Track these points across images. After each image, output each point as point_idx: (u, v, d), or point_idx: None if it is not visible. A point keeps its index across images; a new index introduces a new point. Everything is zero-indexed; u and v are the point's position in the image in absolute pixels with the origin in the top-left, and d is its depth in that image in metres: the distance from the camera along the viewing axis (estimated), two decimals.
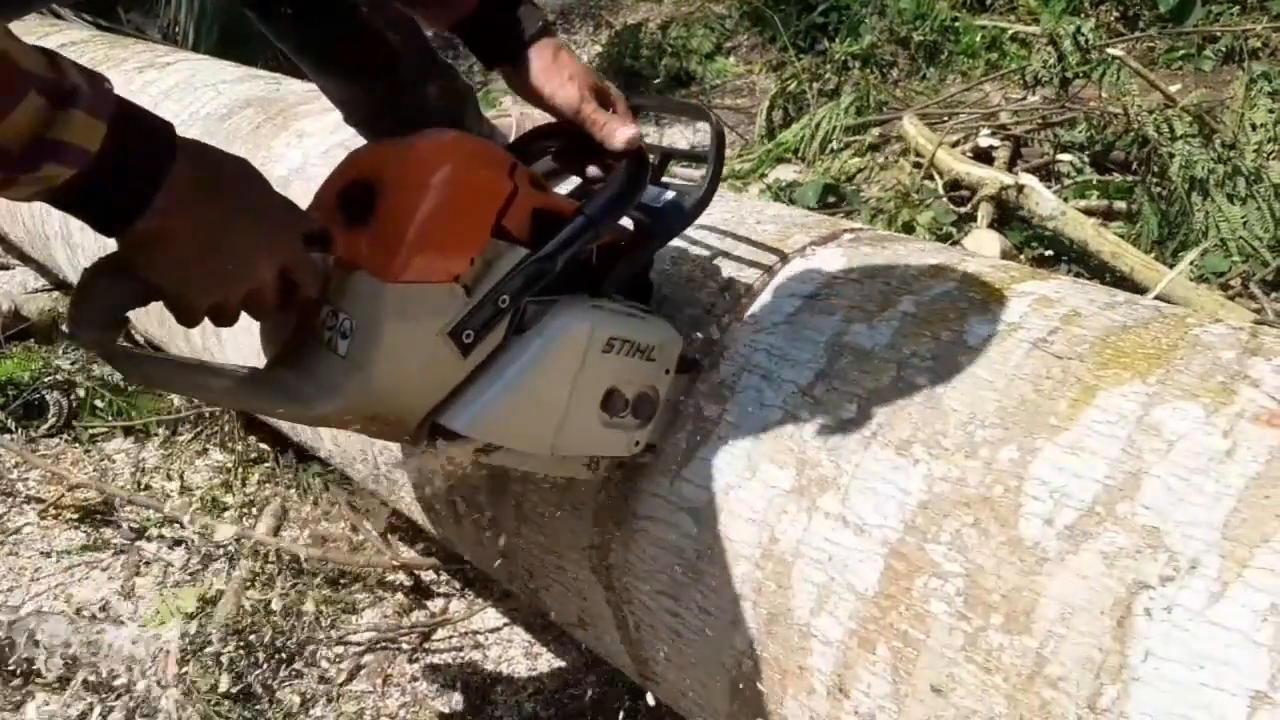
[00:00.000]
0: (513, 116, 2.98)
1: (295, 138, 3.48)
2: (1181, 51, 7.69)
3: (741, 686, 2.02)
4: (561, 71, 2.01)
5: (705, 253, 2.35)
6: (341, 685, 3.12)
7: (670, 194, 2.09)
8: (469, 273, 1.73)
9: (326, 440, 3.18)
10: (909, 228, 5.37)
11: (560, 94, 2.00)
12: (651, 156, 2.08)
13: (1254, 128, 5.55)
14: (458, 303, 1.73)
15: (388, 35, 2.46)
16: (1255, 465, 1.53)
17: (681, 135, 7.42)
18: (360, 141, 2.61)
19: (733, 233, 2.39)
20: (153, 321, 3.98)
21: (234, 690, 3.03)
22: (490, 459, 1.93)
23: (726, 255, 2.32)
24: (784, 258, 2.26)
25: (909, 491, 1.79)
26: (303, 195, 3.17)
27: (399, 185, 1.75)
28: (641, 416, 2.01)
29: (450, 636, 3.28)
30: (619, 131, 1.97)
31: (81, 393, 4.51)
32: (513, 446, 1.90)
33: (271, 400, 1.83)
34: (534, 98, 2.04)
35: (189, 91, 4.13)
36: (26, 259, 5.47)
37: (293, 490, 3.95)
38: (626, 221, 1.99)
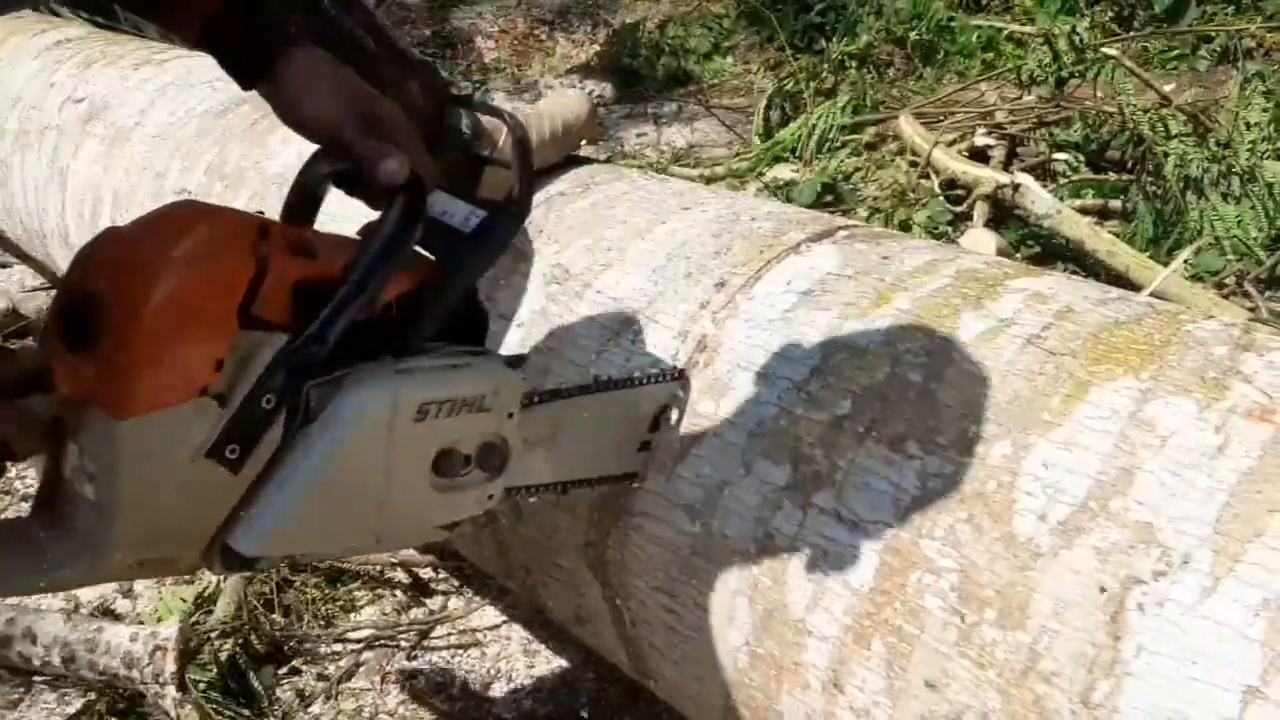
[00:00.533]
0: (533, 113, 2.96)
1: (291, 135, 3.48)
2: (1176, 51, 7.69)
3: (737, 682, 2.03)
4: (316, 91, 1.66)
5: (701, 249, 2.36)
6: (340, 683, 3.12)
7: (480, 214, 1.76)
8: (219, 380, 1.48)
9: None
10: (905, 226, 5.39)
11: (313, 117, 1.66)
12: (439, 178, 1.76)
13: (1248, 127, 5.56)
14: (210, 419, 1.49)
15: (359, 35, 2.33)
16: (1247, 460, 1.54)
17: (680, 134, 7.43)
18: None
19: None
20: None
21: (232, 687, 3.03)
22: (308, 560, 1.75)
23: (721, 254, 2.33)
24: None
25: (903, 487, 1.80)
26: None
27: (119, 298, 1.46)
28: (490, 468, 1.81)
29: (449, 634, 3.29)
30: (380, 165, 1.61)
31: None
32: (323, 553, 1.78)
33: (7, 574, 1.54)
34: (289, 123, 1.69)
35: (185, 89, 4.13)
36: (25, 257, 5.47)
37: None
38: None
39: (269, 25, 1.67)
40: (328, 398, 1.57)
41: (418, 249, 1.68)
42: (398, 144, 1.65)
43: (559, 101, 3.14)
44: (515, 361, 1.86)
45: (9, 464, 1.50)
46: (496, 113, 1.86)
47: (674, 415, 2.16)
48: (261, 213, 1.62)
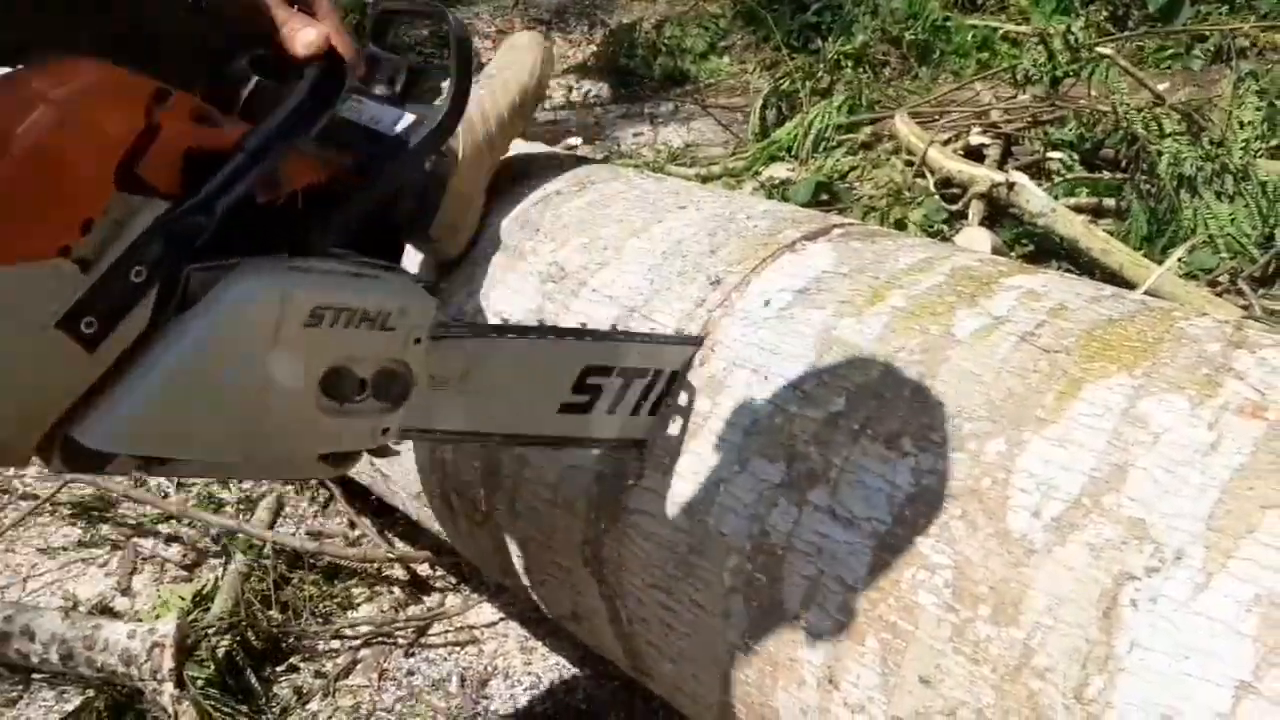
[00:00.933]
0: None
1: None
2: (1170, 50, 7.70)
3: (733, 678, 2.03)
4: None
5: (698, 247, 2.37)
6: (337, 679, 3.13)
7: (409, 117, 1.63)
8: (84, 243, 1.31)
9: None
10: (901, 225, 5.39)
11: None
12: (361, 66, 1.65)
13: (1242, 125, 5.57)
14: (69, 285, 1.31)
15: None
16: (1240, 457, 1.55)
17: (676, 133, 7.43)
18: None
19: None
20: None
21: (230, 684, 3.04)
22: (165, 471, 1.52)
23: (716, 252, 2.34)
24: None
25: (897, 484, 1.80)
26: None
27: None
28: (388, 398, 1.65)
29: (446, 631, 3.29)
30: (299, 33, 1.49)
31: None
32: (186, 461, 1.49)
33: None
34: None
35: None
36: None
37: (289, 487, 3.96)
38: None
39: None
40: (210, 283, 1.41)
41: (336, 149, 1.56)
42: (318, 18, 1.52)
43: (511, 61, 2.93)
44: (431, 286, 1.76)
45: None
46: (435, 13, 1.71)
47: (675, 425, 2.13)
48: None
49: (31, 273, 1.28)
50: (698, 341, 2.19)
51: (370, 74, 1.71)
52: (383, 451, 1.72)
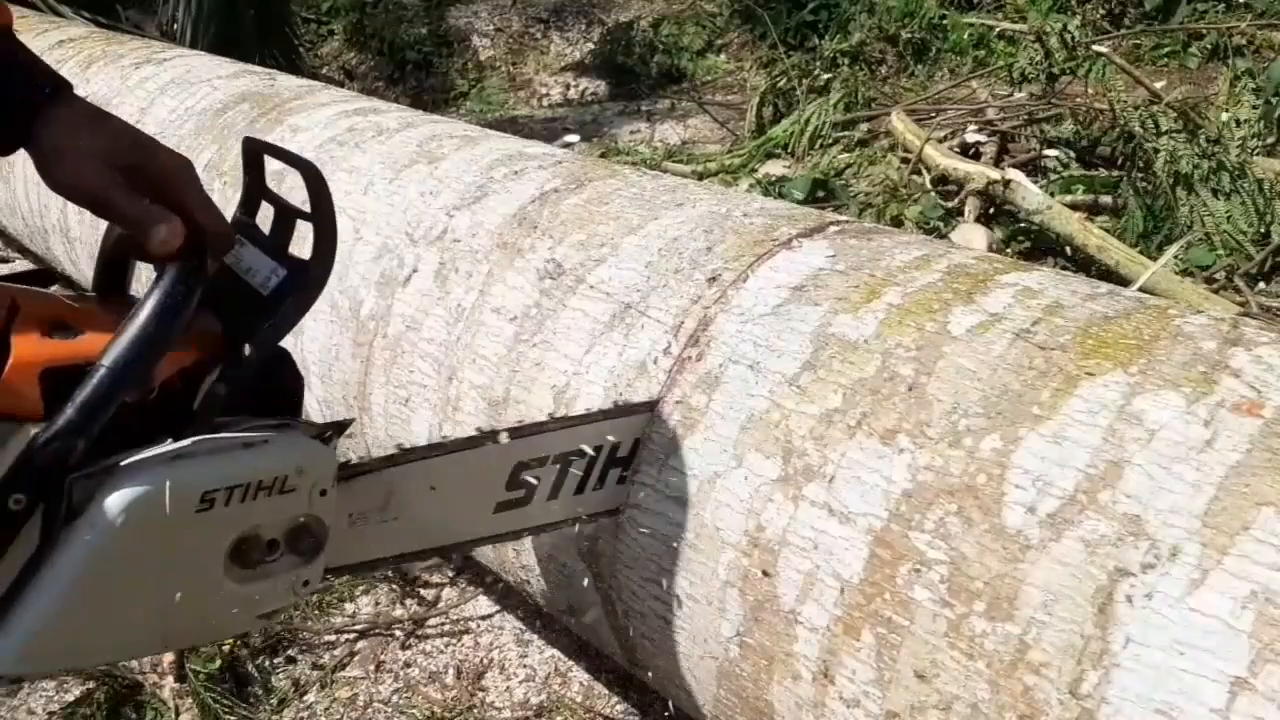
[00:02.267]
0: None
1: (289, 132, 3.50)
2: (1167, 48, 7.72)
3: (728, 672, 2.04)
4: (80, 154, 1.47)
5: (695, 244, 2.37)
6: (334, 671, 3.13)
7: (281, 271, 1.58)
8: None
9: None
10: (897, 222, 5.41)
11: (79, 184, 1.47)
12: (231, 240, 1.59)
13: (1238, 123, 5.59)
14: None
15: None
16: (1235, 454, 1.55)
17: (673, 131, 7.43)
18: None
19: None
20: None
21: (228, 676, 3.04)
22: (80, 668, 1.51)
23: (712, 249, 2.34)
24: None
25: (893, 480, 1.81)
26: (299, 188, 3.21)
27: None
28: (303, 552, 1.64)
29: (442, 623, 3.29)
30: (152, 231, 1.45)
31: None
32: (103, 661, 1.54)
33: None
34: (53, 187, 1.49)
35: (185, 87, 4.15)
36: (26, 252, 5.48)
37: None
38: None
39: (21, 84, 1.48)
40: (91, 491, 1.40)
41: (208, 314, 1.53)
42: (177, 202, 1.50)
43: None
44: (330, 431, 1.70)
45: None
46: (296, 162, 1.63)
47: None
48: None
49: None
50: (648, 408, 2.17)
51: (246, 211, 1.70)
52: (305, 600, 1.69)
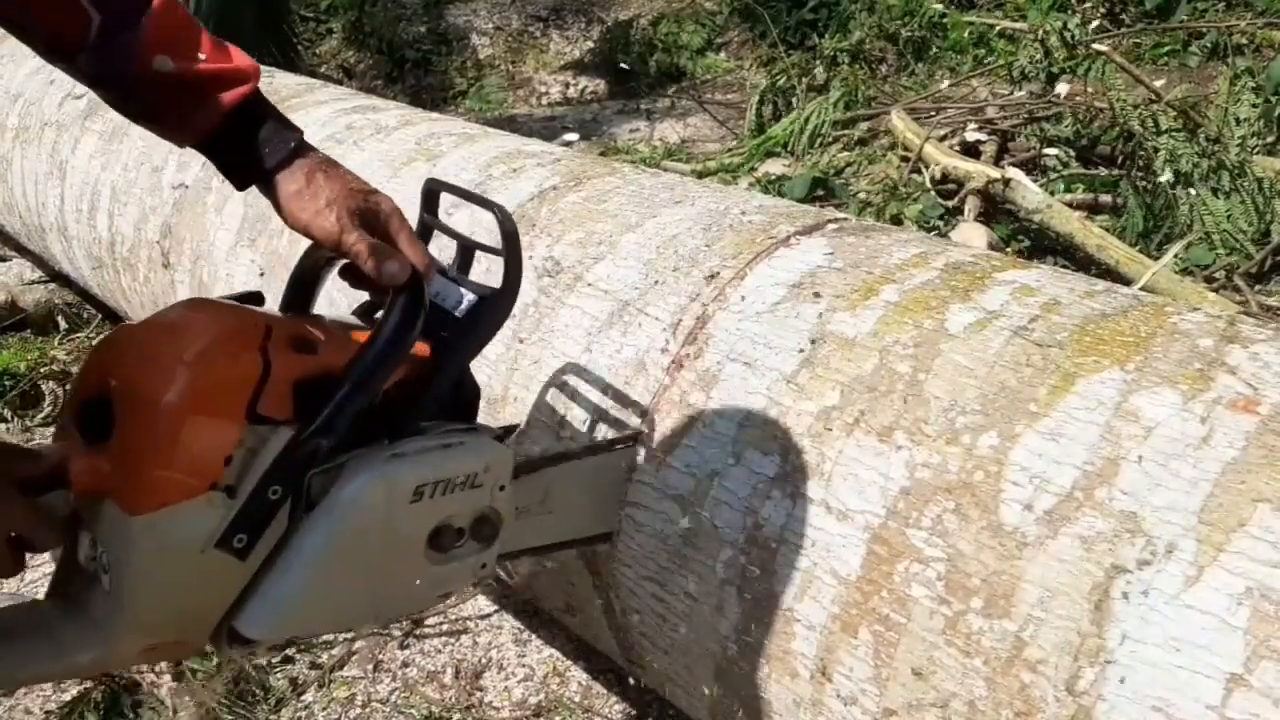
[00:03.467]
0: None
1: None
2: (1167, 47, 7.72)
3: (726, 670, 2.04)
4: (317, 198, 1.73)
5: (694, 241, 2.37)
6: (332, 671, 3.13)
7: (470, 297, 1.84)
8: (227, 473, 1.53)
9: None
10: (897, 221, 5.41)
11: (316, 224, 1.72)
12: (433, 273, 1.80)
13: (1238, 122, 5.59)
14: (219, 511, 1.53)
15: None
16: (1231, 451, 1.56)
17: (672, 130, 7.43)
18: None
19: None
20: (148, 314, 4.00)
21: (226, 675, 3.04)
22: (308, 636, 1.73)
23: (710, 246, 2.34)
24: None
25: (891, 477, 1.81)
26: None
27: (133, 398, 1.52)
28: (484, 539, 1.84)
29: (440, 623, 3.29)
30: (384, 266, 1.67)
31: None
32: (326, 631, 1.81)
33: (23, 662, 1.54)
34: (294, 227, 1.76)
35: None
36: (23, 250, 5.49)
37: None
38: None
39: (267, 144, 1.75)
40: (328, 485, 1.62)
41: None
42: (395, 239, 1.74)
43: None
44: (505, 434, 1.91)
45: (29, 555, 1.49)
46: (487, 204, 1.85)
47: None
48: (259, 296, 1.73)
49: (189, 507, 1.51)
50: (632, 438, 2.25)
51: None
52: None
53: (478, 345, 1.81)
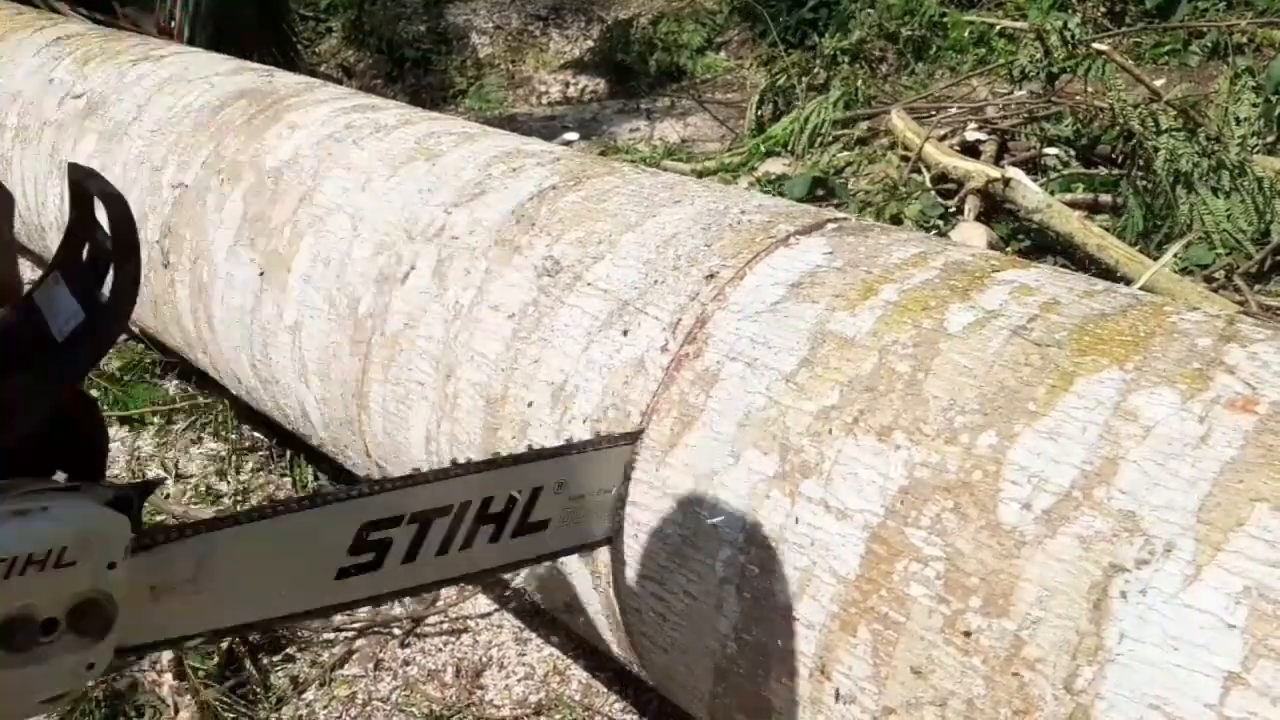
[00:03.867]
0: None
1: (287, 129, 3.50)
2: (1168, 46, 7.72)
3: (725, 669, 2.04)
4: None
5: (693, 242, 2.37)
6: (333, 669, 3.13)
7: (80, 314, 1.41)
8: None
9: (319, 428, 3.20)
10: (896, 220, 5.40)
11: None
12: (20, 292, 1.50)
13: (1238, 121, 5.58)
14: None
15: None
16: (1230, 450, 1.56)
17: (672, 129, 7.43)
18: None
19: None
20: (147, 313, 4.01)
21: (227, 674, 3.05)
22: None
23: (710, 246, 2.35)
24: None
25: (890, 477, 1.81)
26: (295, 186, 3.21)
27: None
28: (89, 631, 1.44)
29: (441, 622, 3.30)
30: None
31: None
32: None
33: None
34: None
35: (182, 84, 4.15)
36: (24, 250, 5.48)
37: (286, 479, 3.97)
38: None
39: None
40: None
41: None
42: None
43: None
44: (131, 494, 1.49)
45: None
46: (103, 193, 1.42)
47: None
48: None
49: None
50: (559, 452, 2.06)
51: (69, 247, 1.49)
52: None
53: (70, 375, 1.40)
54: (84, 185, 1.46)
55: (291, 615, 1.86)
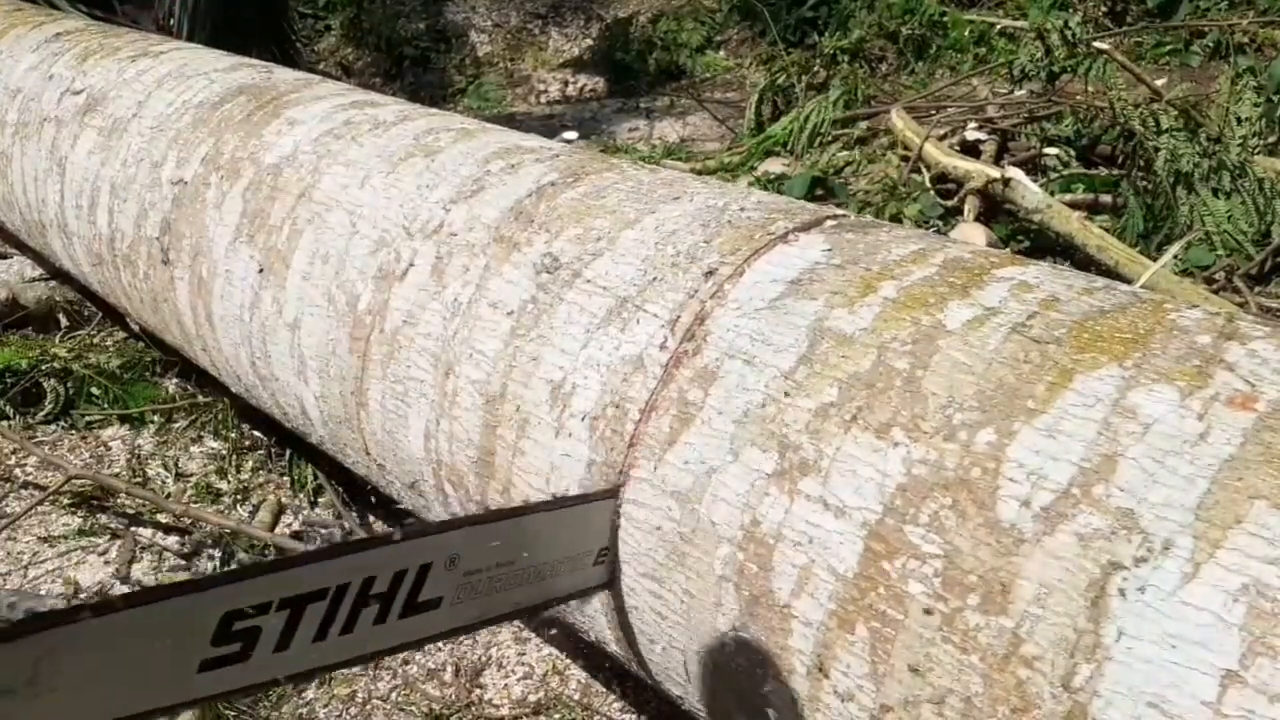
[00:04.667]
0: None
1: (286, 125, 3.50)
2: (1169, 46, 7.72)
3: (724, 667, 2.04)
4: None
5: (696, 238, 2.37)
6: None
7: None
8: None
9: (318, 426, 3.20)
10: (896, 220, 5.40)
11: None
12: None
13: (1239, 122, 5.58)
14: None
15: None
16: (1229, 448, 1.56)
17: (672, 128, 7.43)
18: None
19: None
20: (146, 310, 4.01)
21: None
22: None
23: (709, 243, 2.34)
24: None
25: (888, 474, 1.81)
26: (294, 182, 3.20)
27: None
28: None
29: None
30: None
31: (78, 380, 4.53)
32: None
33: None
34: None
35: (182, 80, 4.14)
36: (23, 247, 5.50)
37: (285, 478, 3.98)
38: None
39: None
40: None
41: None
42: None
43: None
44: None
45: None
46: None
47: None
48: None
49: None
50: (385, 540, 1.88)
51: None
52: None
53: None
54: None
55: (150, 712, 1.66)
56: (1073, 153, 6.02)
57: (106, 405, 4.49)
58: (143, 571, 3.61)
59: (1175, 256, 4.88)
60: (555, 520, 2.12)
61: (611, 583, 2.21)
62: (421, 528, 1.94)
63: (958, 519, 1.71)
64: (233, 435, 4.23)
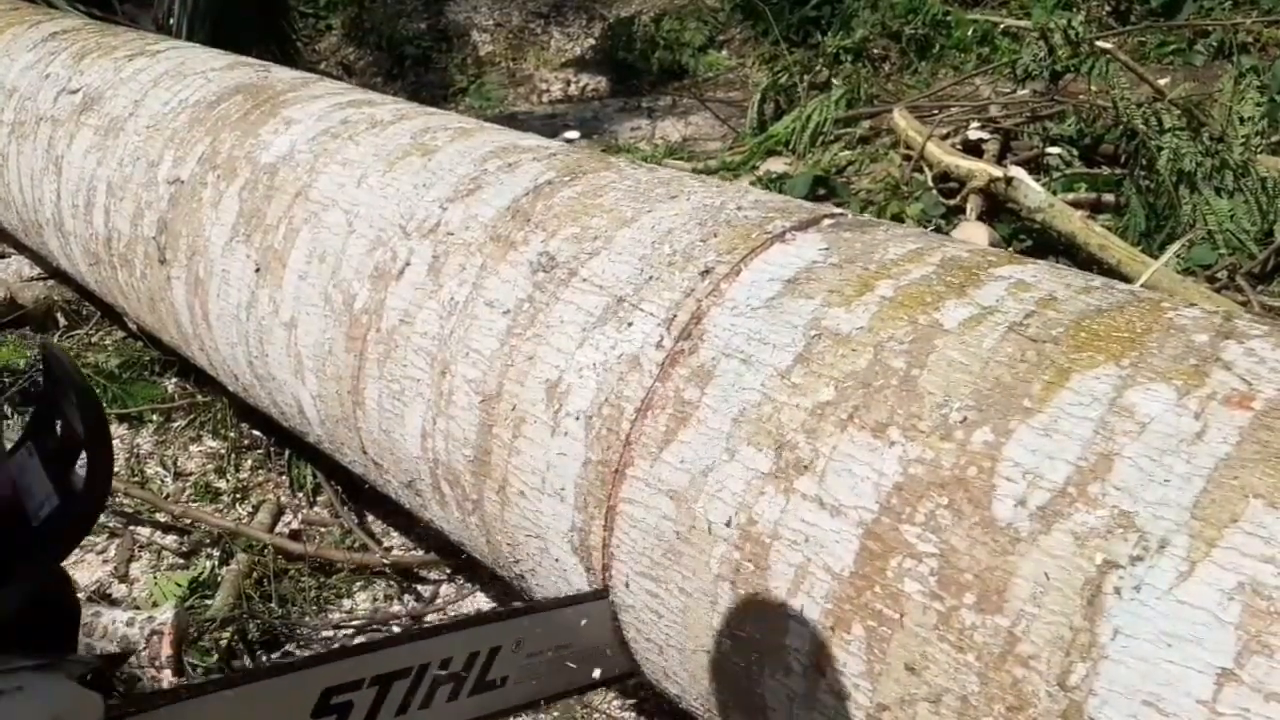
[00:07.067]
0: None
1: (283, 124, 3.49)
2: (1172, 45, 7.71)
3: (720, 665, 2.04)
4: None
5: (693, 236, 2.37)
6: None
7: (54, 502, 1.39)
8: None
9: (315, 425, 3.20)
10: (898, 219, 5.39)
11: None
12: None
13: (1242, 121, 5.57)
14: None
15: None
16: (1225, 447, 1.55)
17: (674, 128, 7.43)
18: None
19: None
20: (144, 309, 4.00)
21: (226, 669, 3.04)
22: None
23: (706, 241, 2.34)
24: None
25: (884, 473, 1.80)
26: (290, 181, 3.20)
27: None
28: None
29: (440, 620, 3.29)
30: None
31: None
32: None
33: None
34: None
35: (178, 79, 4.14)
36: (21, 247, 5.50)
37: (285, 477, 3.98)
38: None
39: None
40: None
41: None
42: None
43: None
44: (101, 670, 1.49)
45: None
46: (75, 384, 1.42)
47: None
48: None
49: None
50: (519, 612, 2.12)
51: (41, 421, 1.48)
52: None
53: (50, 562, 1.40)
54: (56, 365, 1.46)
55: None
56: (1075, 152, 6.01)
57: (105, 404, 4.49)
58: (141, 570, 3.61)
59: (1177, 255, 4.88)
60: (603, 609, 2.27)
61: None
62: (495, 613, 2.15)
63: (954, 518, 1.70)
64: (232, 434, 4.23)
